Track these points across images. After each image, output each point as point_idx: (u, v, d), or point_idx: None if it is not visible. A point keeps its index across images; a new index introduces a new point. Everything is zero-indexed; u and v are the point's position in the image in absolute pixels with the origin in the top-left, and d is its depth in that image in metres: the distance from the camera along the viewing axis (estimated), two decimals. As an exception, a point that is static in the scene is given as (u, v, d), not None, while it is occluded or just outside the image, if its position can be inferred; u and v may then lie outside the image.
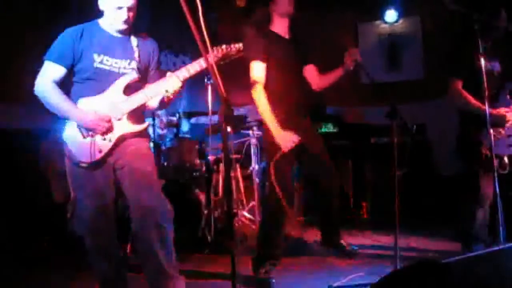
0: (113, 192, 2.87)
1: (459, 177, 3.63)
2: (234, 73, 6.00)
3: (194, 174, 4.77)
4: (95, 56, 2.81)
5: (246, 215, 5.08)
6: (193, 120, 5.80)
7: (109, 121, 2.77)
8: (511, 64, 3.58)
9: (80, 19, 2.94)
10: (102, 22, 2.91)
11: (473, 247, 3.44)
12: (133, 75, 2.87)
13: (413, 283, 1.74)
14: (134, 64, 2.90)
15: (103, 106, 2.78)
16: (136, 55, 2.91)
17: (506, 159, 3.09)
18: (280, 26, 3.58)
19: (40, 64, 2.83)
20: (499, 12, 3.43)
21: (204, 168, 4.86)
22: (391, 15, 6.62)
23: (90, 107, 2.77)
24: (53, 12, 5.65)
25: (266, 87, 3.46)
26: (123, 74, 2.86)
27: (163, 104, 2.99)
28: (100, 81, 2.82)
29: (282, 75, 3.47)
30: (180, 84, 2.85)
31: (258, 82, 3.42)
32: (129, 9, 2.83)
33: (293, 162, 3.55)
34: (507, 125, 3.37)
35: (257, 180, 4.96)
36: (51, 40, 2.84)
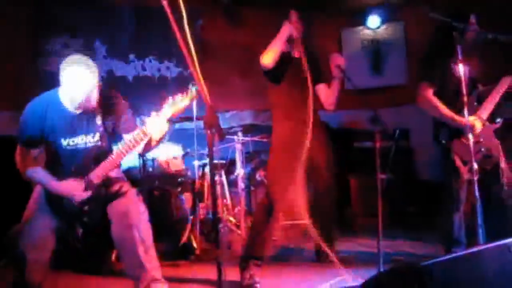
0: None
1: (439, 182, 3.69)
2: (220, 79, 6.05)
3: (179, 180, 4.77)
4: (62, 140, 2.94)
5: (232, 220, 5.09)
6: (177, 125, 5.80)
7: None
8: (481, 69, 3.66)
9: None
10: (62, 95, 2.94)
11: (453, 250, 3.51)
12: (99, 148, 3.00)
13: (395, 285, 1.77)
14: (98, 136, 2.99)
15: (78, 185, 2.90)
16: (100, 126, 2.99)
17: (475, 165, 3.14)
18: (290, 47, 3.73)
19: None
20: (469, 18, 3.50)
21: (189, 174, 4.88)
22: (374, 21, 6.69)
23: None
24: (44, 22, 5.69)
25: (276, 102, 3.68)
26: (90, 147, 2.98)
27: (149, 148, 3.06)
28: (69, 160, 2.96)
29: (291, 92, 3.60)
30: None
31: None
32: (91, 96, 2.88)
33: (294, 163, 3.63)
34: (475, 132, 3.44)
35: (242, 185, 4.98)
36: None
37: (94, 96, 2.90)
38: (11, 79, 5.36)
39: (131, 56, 6.33)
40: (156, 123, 2.83)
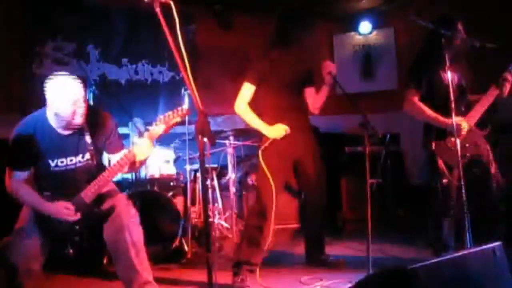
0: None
1: (428, 186, 3.72)
2: (212, 83, 6.06)
3: (171, 183, 4.79)
4: (50, 161, 2.93)
5: (223, 224, 5.11)
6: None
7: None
8: (469, 76, 3.70)
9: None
10: (50, 115, 2.92)
11: (442, 254, 3.53)
12: (89, 167, 3.00)
13: (381, 288, 1.81)
14: (88, 156, 3.00)
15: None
16: (90, 146, 2.99)
17: (461, 170, 3.16)
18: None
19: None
20: (457, 25, 3.53)
21: (181, 178, 4.89)
22: (365, 26, 6.77)
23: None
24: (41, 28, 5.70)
25: (265, 107, 3.69)
26: (79, 166, 2.98)
27: (133, 168, 3.09)
28: (58, 179, 2.96)
29: (280, 97, 3.62)
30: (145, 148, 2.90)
31: (244, 101, 3.69)
32: (78, 109, 2.84)
33: (285, 160, 3.69)
34: (462, 134, 3.42)
35: (233, 189, 5.00)
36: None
37: (81, 114, 2.86)
38: (2, 82, 5.35)
39: (124, 60, 6.34)
40: (143, 145, 2.87)
